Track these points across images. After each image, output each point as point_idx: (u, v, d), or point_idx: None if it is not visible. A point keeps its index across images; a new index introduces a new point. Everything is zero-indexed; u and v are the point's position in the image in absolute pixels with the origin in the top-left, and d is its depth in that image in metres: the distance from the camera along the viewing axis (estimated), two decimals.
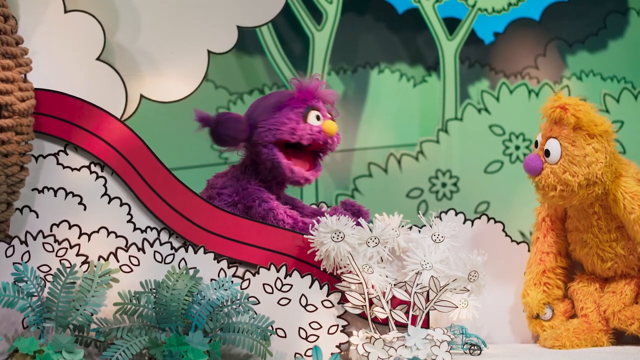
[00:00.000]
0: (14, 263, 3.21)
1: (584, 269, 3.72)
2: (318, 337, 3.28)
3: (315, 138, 3.53)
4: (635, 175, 3.58)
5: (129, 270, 3.28)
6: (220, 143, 3.55)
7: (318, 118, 3.55)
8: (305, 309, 3.29)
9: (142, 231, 3.34)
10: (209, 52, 3.57)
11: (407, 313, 3.31)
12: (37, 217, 3.33)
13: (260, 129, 3.51)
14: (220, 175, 3.63)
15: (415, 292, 3.31)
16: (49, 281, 3.16)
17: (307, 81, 3.59)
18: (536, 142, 3.56)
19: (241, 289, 3.23)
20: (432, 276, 3.30)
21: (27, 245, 3.27)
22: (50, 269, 3.25)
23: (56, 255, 3.28)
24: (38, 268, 3.24)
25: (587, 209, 3.56)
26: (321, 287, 3.30)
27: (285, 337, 3.28)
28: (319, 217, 3.37)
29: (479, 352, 3.46)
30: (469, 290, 3.33)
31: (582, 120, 3.47)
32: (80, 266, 3.25)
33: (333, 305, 3.30)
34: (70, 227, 3.30)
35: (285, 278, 3.29)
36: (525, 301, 3.66)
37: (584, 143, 3.47)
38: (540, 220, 3.75)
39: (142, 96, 3.54)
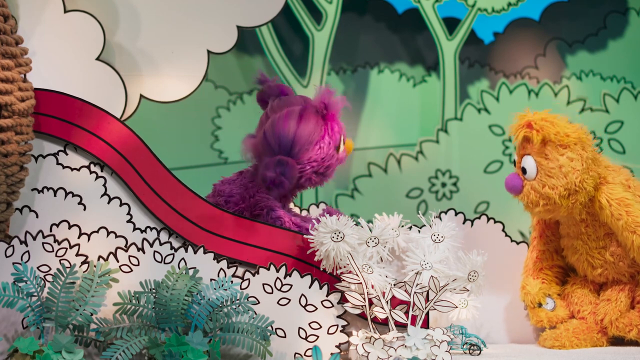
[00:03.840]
0: (13, 263, 3.21)
1: (577, 273, 3.72)
2: (318, 337, 3.28)
3: (341, 164, 3.64)
4: (625, 182, 3.57)
5: (129, 270, 3.28)
6: (280, 192, 3.53)
7: (343, 142, 3.61)
8: (305, 309, 3.29)
9: (141, 231, 3.34)
10: (208, 52, 3.57)
11: (406, 313, 3.31)
12: (37, 217, 3.33)
13: (304, 166, 3.51)
14: (227, 181, 3.61)
15: (415, 292, 3.31)
16: (48, 281, 3.16)
17: (332, 103, 3.55)
18: (514, 162, 3.58)
19: (241, 289, 3.23)
20: (431, 276, 3.30)
21: (26, 245, 3.27)
22: (50, 269, 3.25)
23: (56, 255, 3.28)
24: (38, 268, 3.24)
25: (575, 216, 3.56)
26: (321, 287, 3.30)
27: (285, 337, 3.28)
28: (318, 217, 3.38)
29: (478, 352, 3.46)
30: (468, 290, 3.33)
31: (548, 135, 3.47)
32: (80, 266, 3.25)
33: (333, 305, 3.30)
34: (70, 227, 3.30)
35: (285, 278, 3.29)
36: (526, 291, 3.65)
37: (557, 155, 3.48)
38: (535, 222, 3.76)
39: (141, 96, 3.54)
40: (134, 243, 3.31)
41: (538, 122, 3.49)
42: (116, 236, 3.32)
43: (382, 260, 3.37)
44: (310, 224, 3.35)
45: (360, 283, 3.29)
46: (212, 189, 3.63)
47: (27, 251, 3.26)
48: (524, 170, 3.52)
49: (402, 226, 3.48)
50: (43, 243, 3.28)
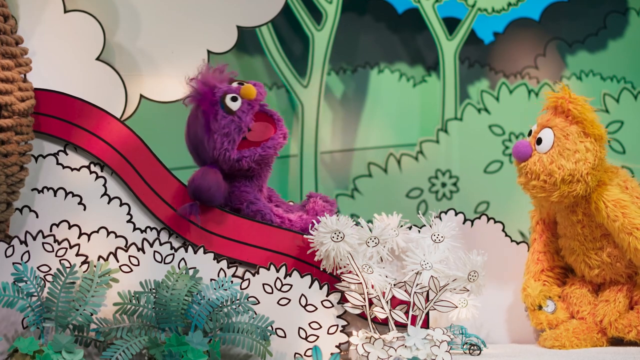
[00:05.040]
0: (13, 263, 3.21)
1: (575, 273, 3.72)
2: (318, 337, 3.28)
3: (253, 112, 3.41)
4: (622, 183, 3.56)
5: (129, 270, 3.28)
6: (215, 203, 3.38)
7: (234, 99, 3.40)
8: (305, 309, 3.29)
9: (141, 231, 3.34)
10: (208, 52, 3.57)
11: (406, 313, 3.31)
12: (37, 217, 3.33)
13: (221, 157, 3.40)
14: None
15: (415, 292, 3.31)
16: (48, 281, 3.16)
17: (195, 86, 3.40)
18: (530, 131, 3.56)
19: (241, 289, 3.23)
20: (431, 276, 3.30)
21: (26, 245, 3.27)
22: (50, 269, 3.26)
23: (56, 255, 3.28)
24: (38, 268, 3.24)
25: (571, 216, 3.55)
26: (321, 287, 3.30)
27: (285, 337, 3.28)
28: (304, 217, 3.38)
29: (478, 352, 3.46)
30: (468, 290, 3.33)
31: (584, 115, 3.46)
32: (80, 266, 3.25)
33: (333, 305, 3.30)
34: (70, 227, 3.31)
35: (285, 278, 3.29)
36: (526, 293, 3.64)
37: (577, 139, 3.47)
38: (534, 223, 3.76)
39: (141, 96, 3.55)
40: (134, 243, 3.31)
41: (579, 100, 3.48)
42: (116, 236, 3.32)
43: (382, 260, 3.37)
44: (310, 224, 3.35)
45: (360, 283, 3.29)
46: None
47: (27, 251, 3.26)
48: (538, 141, 3.50)
49: (402, 226, 3.48)
50: (43, 243, 3.28)
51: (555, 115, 3.50)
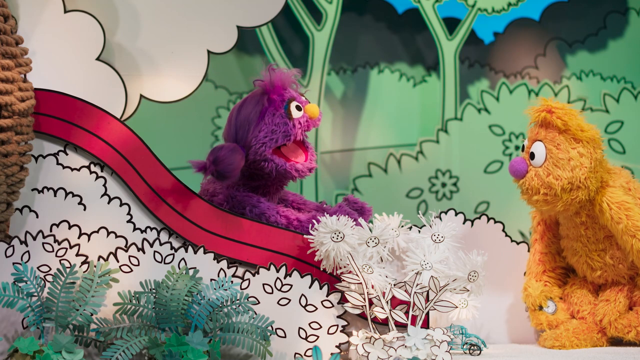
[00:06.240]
0: (13, 263, 3.21)
1: (577, 273, 3.72)
2: (318, 337, 3.28)
3: (305, 129, 3.52)
4: (625, 185, 3.56)
5: (129, 270, 3.28)
6: (225, 179, 3.44)
7: (298, 108, 3.51)
8: (305, 309, 3.29)
9: (141, 231, 3.34)
10: (208, 52, 3.57)
11: (407, 313, 3.31)
12: (37, 217, 3.33)
13: (255, 147, 3.46)
14: (212, 180, 3.60)
15: (415, 292, 3.31)
16: (48, 281, 3.16)
17: (270, 76, 3.51)
18: (523, 146, 3.57)
19: (241, 289, 3.23)
20: (431, 276, 3.30)
21: (27, 245, 3.27)
22: (50, 269, 3.26)
23: (56, 255, 3.28)
24: (38, 268, 3.24)
25: (574, 218, 3.56)
26: (321, 287, 3.30)
27: (285, 337, 3.28)
28: (318, 217, 3.37)
29: (478, 352, 3.46)
30: (468, 290, 3.33)
31: (568, 124, 3.46)
32: (80, 266, 3.26)
33: (333, 305, 3.30)
34: (70, 227, 3.31)
35: (285, 278, 3.29)
36: (527, 293, 3.65)
37: (568, 147, 3.47)
38: (535, 223, 3.76)
39: (141, 96, 3.54)
40: (134, 243, 3.31)
41: (560, 109, 3.48)
42: (116, 236, 3.32)
43: (382, 260, 3.37)
44: (310, 224, 3.35)
45: (360, 283, 3.29)
46: (200, 188, 3.63)
47: (27, 251, 3.26)
48: (532, 156, 3.50)
49: (402, 226, 3.48)
50: (43, 243, 3.28)
51: (543, 127, 3.51)
